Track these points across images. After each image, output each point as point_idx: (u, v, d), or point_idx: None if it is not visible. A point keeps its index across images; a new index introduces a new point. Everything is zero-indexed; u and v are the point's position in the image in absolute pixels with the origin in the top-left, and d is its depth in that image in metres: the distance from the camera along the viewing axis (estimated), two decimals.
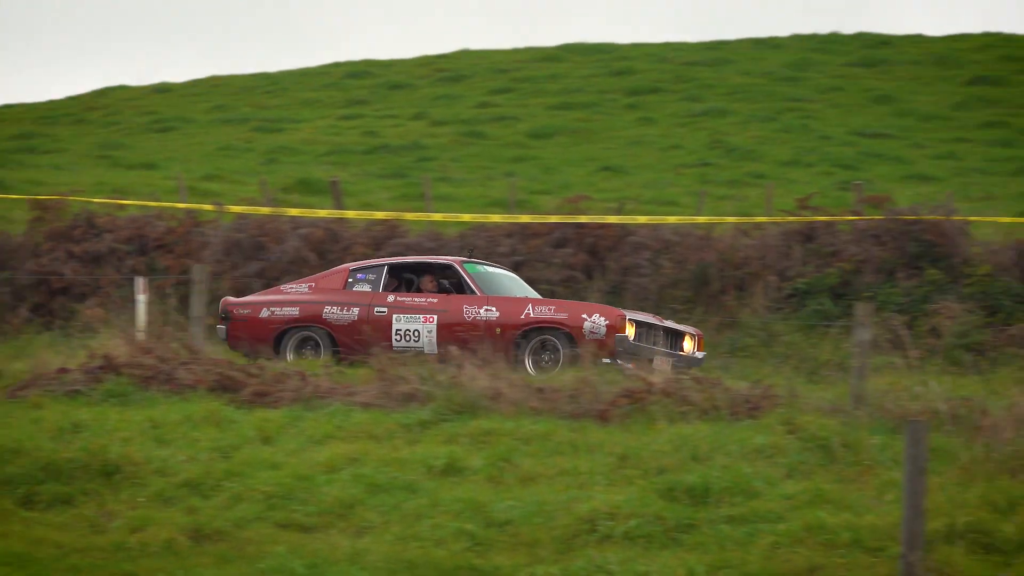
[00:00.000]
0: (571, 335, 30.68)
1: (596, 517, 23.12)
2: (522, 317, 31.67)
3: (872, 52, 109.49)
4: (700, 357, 32.31)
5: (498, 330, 31.07)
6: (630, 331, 30.41)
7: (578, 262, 46.47)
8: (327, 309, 33.18)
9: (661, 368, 30.15)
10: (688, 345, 32.17)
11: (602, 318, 31.27)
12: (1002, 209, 56.26)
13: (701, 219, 48.73)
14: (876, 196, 47.18)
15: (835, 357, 37.55)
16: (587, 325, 30.40)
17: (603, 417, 28.12)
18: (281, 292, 35.13)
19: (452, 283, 33.64)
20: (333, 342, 32.74)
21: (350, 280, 34.12)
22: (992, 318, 40.19)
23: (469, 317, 31.54)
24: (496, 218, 52.58)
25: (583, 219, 47.10)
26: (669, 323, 32.58)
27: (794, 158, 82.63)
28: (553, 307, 32.06)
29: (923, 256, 42.82)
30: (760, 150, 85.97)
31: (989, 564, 20.23)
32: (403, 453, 25.54)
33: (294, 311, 33.44)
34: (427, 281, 33.97)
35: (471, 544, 21.51)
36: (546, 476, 24.87)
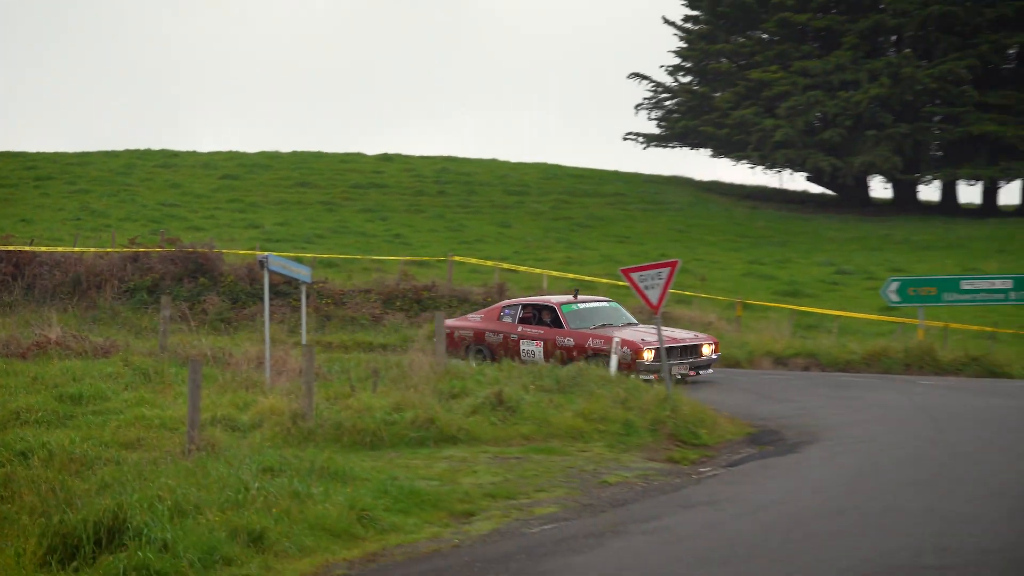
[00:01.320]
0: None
1: (20, 411, 30.43)
2: (586, 345, 39.86)
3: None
4: (715, 358, 40.36)
5: (574, 353, 39.85)
6: (648, 355, 37.95)
7: (8, 271, 53.56)
8: (487, 334, 41.87)
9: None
10: (707, 350, 39.83)
11: (628, 349, 38.73)
12: (238, 247, 67.78)
13: (77, 248, 56.65)
14: (171, 238, 58.03)
15: (151, 325, 46.57)
16: (620, 353, 38.08)
17: (23, 356, 36.93)
18: (467, 320, 43.73)
19: (553, 318, 41.77)
20: (492, 353, 41.39)
21: (501, 314, 43.48)
22: (234, 305, 51.86)
23: (558, 344, 40.24)
24: None
25: (10, 247, 54.46)
26: (689, 339, 40.23)
27: (128, 215, 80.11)
28: (603, 340, 39.34)
29: (197, 271, 54.81)
30: (110, 211, 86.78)
31: (233, 437, 27.56)
32: None
33: (470, 333, 42.50)
34: (544, 315, 42.47)
35: None
36: None
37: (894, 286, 53.24)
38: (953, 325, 56.44)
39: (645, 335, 38.95)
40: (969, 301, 53.82)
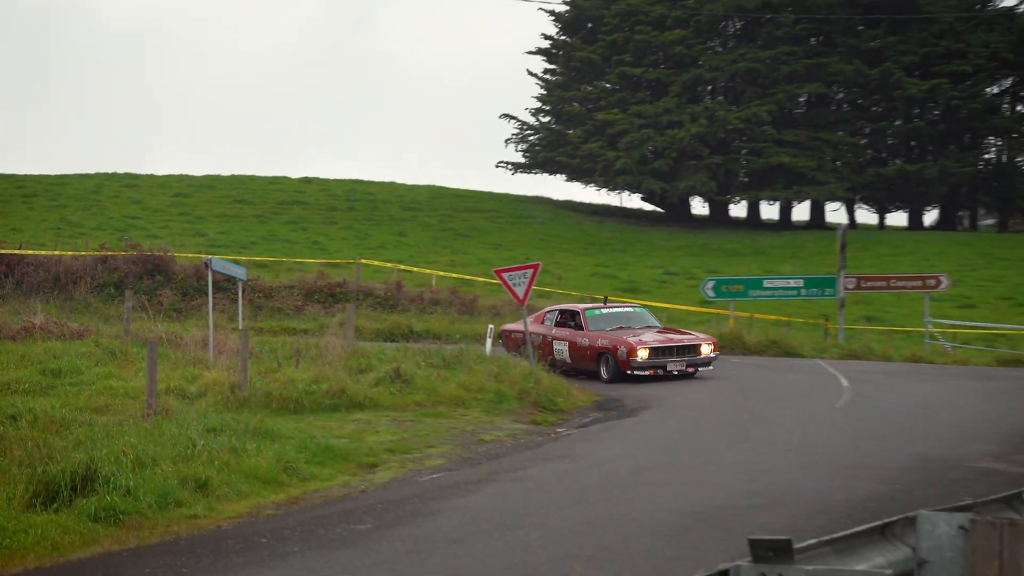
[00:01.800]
0: (615, 356, 36.18)
1: (10, 382, 29.61)
2: (596, 345, 37.17)
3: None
4: (714, 356, 36.94)
5: (588, 352, 37.47)
6: (643, 353, 35.40)
7: (0, 271, 52.45)
8: (532, 334, 36.60)
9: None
10: (706, 349, 36.65)
11: (625, 348, 36.10)
12: (187, 251, 66.99)
13: (57, 252, 55.49)
14: (134, 244, 56.98)
15: (117, 314, 44.92)
16: (620, 351, 36.12)
17: (12, 339, 36.34)
18: (520, 325, 38.47)
19: (577, 322, 39.00)
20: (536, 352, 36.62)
21: (544, 318, 40.76)
22: (184, 297, 50.81)
23: (577, 344, 37.79)
24: None
25: (2, 251, 53.90)
26: (688, 339, 37.39)
27: (99, 225, 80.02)
28: (608, 340, 36.79)
29: (154, 270, 53.82)
30: (84, 223, 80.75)
31: (183, 403, 27.43)
32: None
33: (521, 335, 37.85)
34: (572, 319, 39.60)
35: None
36: None
37: (710, 284, 53.60)
38: (757, 315, 56.88)
39: (647, 336, 37.25)
40: (769, 296, 54.14)
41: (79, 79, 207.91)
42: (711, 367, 36.78)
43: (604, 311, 39.56)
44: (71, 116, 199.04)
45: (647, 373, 35.70)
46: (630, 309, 41.34)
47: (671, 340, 36.99)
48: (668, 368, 35.93)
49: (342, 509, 18.88)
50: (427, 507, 18.78)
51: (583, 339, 37.46)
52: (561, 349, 38.66)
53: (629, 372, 35.91)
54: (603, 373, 37.48)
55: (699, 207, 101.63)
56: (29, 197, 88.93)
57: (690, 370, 36.54)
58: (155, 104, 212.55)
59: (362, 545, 16.08)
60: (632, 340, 36.42)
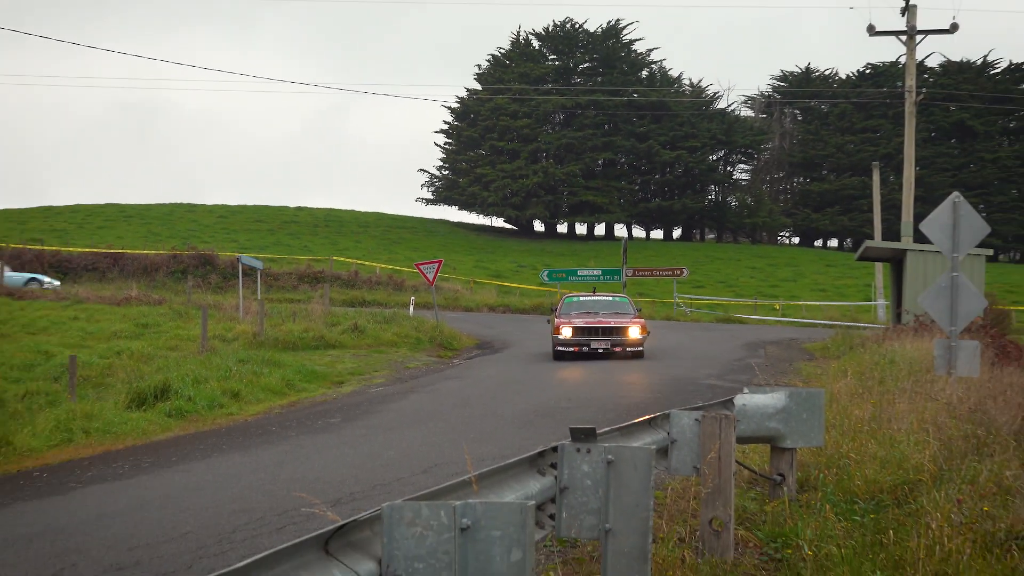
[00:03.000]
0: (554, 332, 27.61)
1: (116, 332, 29.62)
2: (553, 324, 28.24)
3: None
4: (641, 338, 27.41)
5: (556, 331, 27.32)
6: (567, 332, 27.14)
7: (110, 263, 51.83)
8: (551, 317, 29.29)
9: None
10: (634, 332, 27.32)
11: (552, 328, 28.33)
12: (227, 251, 66.05)
13: (144, 251, 54.57)
14: (192, 247, 56.67)
15: (183, 290, 43.88)
16: (551, 328, 28.42)
17: (118, 304, 36.24)
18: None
19: (559, 308, 29.87)
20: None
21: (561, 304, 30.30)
22: (224, 280, 48.70)
23: (552, 324, 28.35)
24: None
25: (112, 250, 53.45)
26: (615, 322, 27.75)
27: (172, 235, 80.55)
28: (559, 322, 27.79)
29: (206, 263, 52.18)
30: (162, 233, 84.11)
31: (224, 344, 27.12)
32: None
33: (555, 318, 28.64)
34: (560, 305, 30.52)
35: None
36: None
37: (545, 273, 53.24)
38: (572, 292, 55.84)
39: (586, 320, 28.12)
40: (581, 280, 53.67)
41: (164, 140, 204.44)
42: (640, 348, 27.61)
43: (581, 298, 30.69)
44: (156, 163, 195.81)
45: (571, 350, 27.62)
46: (609, 298, 31.19)
47: (599, 322, 27.95)
48: (592, 346, 27.50)
49: (322, 409, 18.72)
50: (374, 408, 18.62)
51: (556, 321, 28.68)
52: (553, 328, 29.37)
53: (558, 349, 28.01)
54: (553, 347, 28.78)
55: (539, 226, 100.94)
56: (128, 217, 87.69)
57: (616, 350, 27.53)
58: (207, 157, 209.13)
59: (334, 431, 15.87)
60: (561, 320, 28.16)
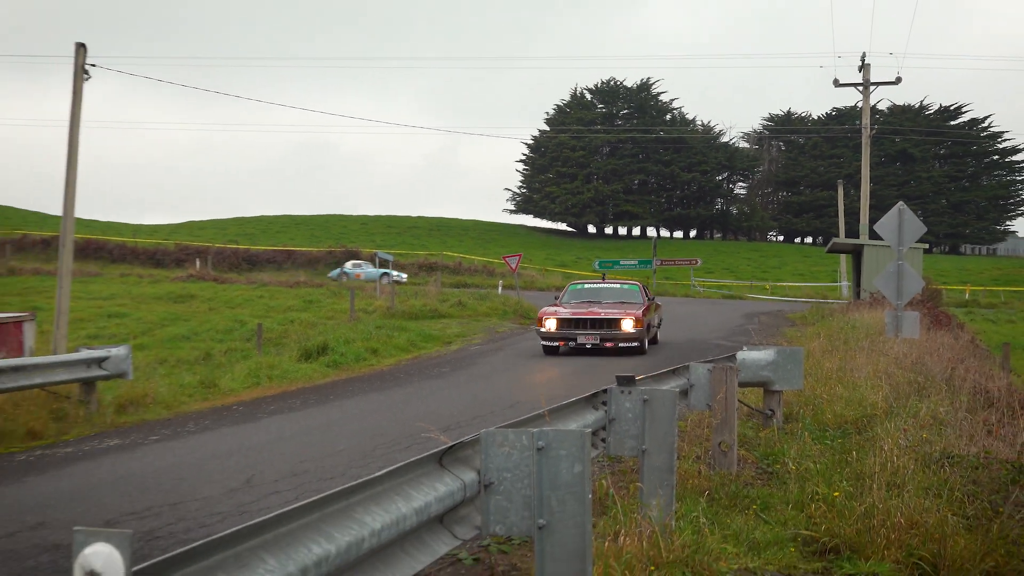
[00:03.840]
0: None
1: (288, 307, 31.63)
2: (545, 312, 18.94)
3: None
4: (635, 332, 18.51)
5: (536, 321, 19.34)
6: (550, 324, 18.68)
7: (239, 261, 52.52)
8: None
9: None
10: (627, 325, 18.63)
11: (537, 319, 19.73)
12: (369, 248, 65.87)
13: (311, 248, 55.05)
14: (343, 245, 55.60)
15: (337, 275, 45.42)
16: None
17: (291, 287, 37.48)
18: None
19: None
20: None
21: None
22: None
23: (551, 311, 18.77)
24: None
25: (243, 247, 53.27)
26: (602, 314, 18.94)
27: (330, 237, 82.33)
28: (552, 311, 19.11)
29: (353, 256, 50.20)
30: (321, 236, 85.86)
31: (367, 315, 26.91)
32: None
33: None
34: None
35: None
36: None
37: (596, 262, 52.89)
38: (619, 277, 55.27)
39: (574, 310, 19.54)
40: (623, 268, 53.22)
41: (325, 169, 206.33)
42: (637, 343, 18.85)
43: (586, 286, 22.30)
44: (318, 185, 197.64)
45: (555, 345, 19.08)
46: (617, 285, 22.30)
47: (589, 313, 19.22)
48: (579, 341, 18.87)
49: (436, 362, 18.46)
50: (473, 361, 18.37)
51: (560, 307, 20.42)
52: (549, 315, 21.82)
53: (542, 344, 19.41)
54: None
55: (591, 229, 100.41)
56: (297, 224, 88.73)
57: (607, 345, 18.86)
58: (355, 181, 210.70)
59: (445, 377, 15.70)
60: (547, 311, 19.63)
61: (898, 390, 10.10)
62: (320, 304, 31.22)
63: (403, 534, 3.70)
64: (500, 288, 39.29)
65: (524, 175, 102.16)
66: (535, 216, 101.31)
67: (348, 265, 45.83)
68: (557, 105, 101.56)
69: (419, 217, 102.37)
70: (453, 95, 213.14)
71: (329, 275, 43.88)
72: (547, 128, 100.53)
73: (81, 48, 18.94)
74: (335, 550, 3.16)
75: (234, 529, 2.78)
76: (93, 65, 19.04)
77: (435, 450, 4.20)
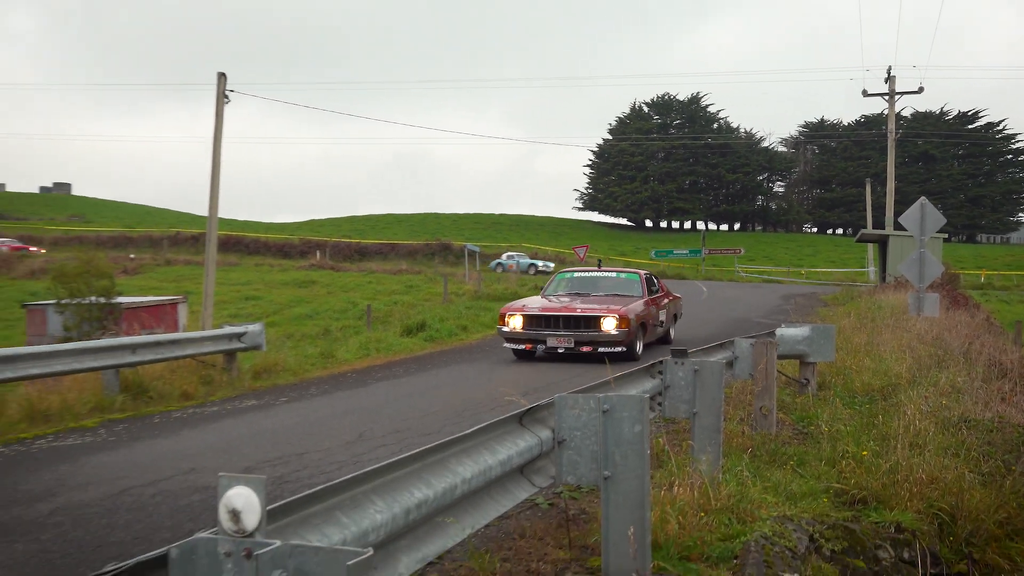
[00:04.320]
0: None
1: (391, 291, 33.73)
2: (510, 308, 13.60)
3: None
4: (617, 334, 12.69)
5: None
6: (515, 322, 13.28)
7: (352, 253, 53.41)
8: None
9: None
10: (608, 325, 12.78)
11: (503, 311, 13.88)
12: (459, 241, 65.63)
13: (407, 241, 54.56)
14: (439, 238, 55.12)
15: (432, 265, 43.96)
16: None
17: (394, 274, 38.48)
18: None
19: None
20: None
21: None
22: (458, 259, 48.12)
23: (518, 305, 13.24)
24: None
25: (354, 240, 52.85)
26: (582, 310, 13.05)
27: (428, 232, 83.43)
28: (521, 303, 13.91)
29: (445, 249, 49.86)
30: (420, 231, 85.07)
31: (457, 299, 26.94)
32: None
33: None
34: None
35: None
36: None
37: (653, 252, 52.56)
38: (673, 264, 54.69)
39: (545, 306, 13.56)
40: (676, 256, 52.79)
41: (423, 174, 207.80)
42: (623, 348, 12.86)
43: (576, 275, 16.05)
44: (418, 187, 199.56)
45: (523, 347, 13.49)
46: (613, 275, 15.78)
47: (563, 309, 13.34)
48: (549, 344, 13.19)
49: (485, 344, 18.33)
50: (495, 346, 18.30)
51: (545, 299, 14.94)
52: None
53: (505, 346, 13.94)
54: None
55: (648, 224, 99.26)
56: (400, 221, 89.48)
57: (583, 349, 13.01)
58: (449, 184, 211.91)
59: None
60: (515, 305, 14.17)
61: (920, 362, 9.76)
62: (419, 288, 31.25)
63: (489, 482, 3.74)
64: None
65: (590, 177, 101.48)
66: (599, 212, 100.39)
67: (503, 257, 45.75)
68: (619, 117, 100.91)
69: (501, 214, 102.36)
70: (531, 110, 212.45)
71: (489, 265, 43.54)
72: (610, 137, 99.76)
73: (222, 77, 19.40)
74: (433, 494, 3.21)
75: (350, 476, 2.84)
76: (232, 91, 19.51)
77: (516, 411, 4.19)
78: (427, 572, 3.95)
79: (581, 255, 33.89)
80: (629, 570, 3.73)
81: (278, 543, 2.06)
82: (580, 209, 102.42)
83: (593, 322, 12.91)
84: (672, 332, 15.87)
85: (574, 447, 4.08)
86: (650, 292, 14.64)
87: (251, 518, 2.09)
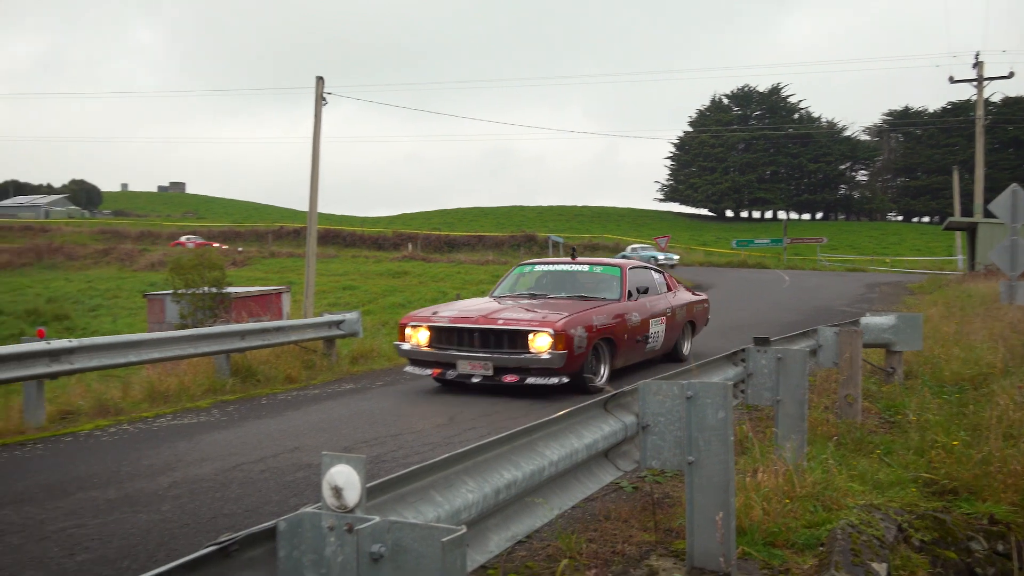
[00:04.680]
0: None
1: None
2: (412, 318, 9.06)
3: None
4: (546, 357, 7.88)
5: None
6: (420, 337, 8.72)
7: (442, 244, 51.18)
8: None
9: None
10: (542, 343, 7.91)
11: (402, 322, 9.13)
12: (543, 232, 65.25)
13: (497, 233, 54.26)
14: (523, 230, 54.71)
15: (518, 256, 43.61)
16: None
17: (481, 265, 39.11)
18: None
19: None
20: None
21: None
22: (542, 249, 48.68)
23: (423, 315, 8.56)
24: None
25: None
26: (505, 321, 8.15)
27: (512, 223, 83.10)
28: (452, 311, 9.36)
29: (531, 240, 49.59)
30: (503, 223, 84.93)
31: None
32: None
33: None
34: None
35: None
36: None
37: (734, 241, 51.38)
38: (754, 253, 53.29)
39: (461, 314, 8.52)
40: (758, 245, 50.98)
41: (509, 169, 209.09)
42: (557, 380, 7.93)
43: (539, 268, 10.37)
44: (503, 182, 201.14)
45: (427, 373, 8.57)
46: (585, 268, 9.89)
47: (480, 321, 8.18)
48: (460, 370, 8.28)
49: None
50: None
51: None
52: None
53: (406, 370, 9.04)
54: None
55: (729, 213, 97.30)
56: (486, 214, 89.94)
57: (505, 380, 8.00)
58: (534, 177, 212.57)
59: None
60: (420, 314, 8.89)
61: (1013, 352, 9.25)
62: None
63: (575, 465, 3.75)
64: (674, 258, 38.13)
65: (671, 169, 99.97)
66: (681, 203, 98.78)
67: (628, 249, 43.66)
68: (699, 110, 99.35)
69: (583, 206, 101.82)
70: (612, 104, 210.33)
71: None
72: (690, 129, 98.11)
73: (320, 80, 19.87)
74: (522, 476, 3.22)
75: (443, 456, 2.87)
76: (330, 93, 19.97)
77: (600, 397, 4.18)
78: (515, 550, 3.95)
79: (663, 245, 33.44)
80: (715, 554, 3.66)
81: (377, 519, 2.10)
82: (661, 200, 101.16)
83: (519, 339, 7.97)
84: (687, 346, 11.17)
85: (658, 432, 4.02)
86: (634, 294, 9.70)
87: (352, 495, 2.14)
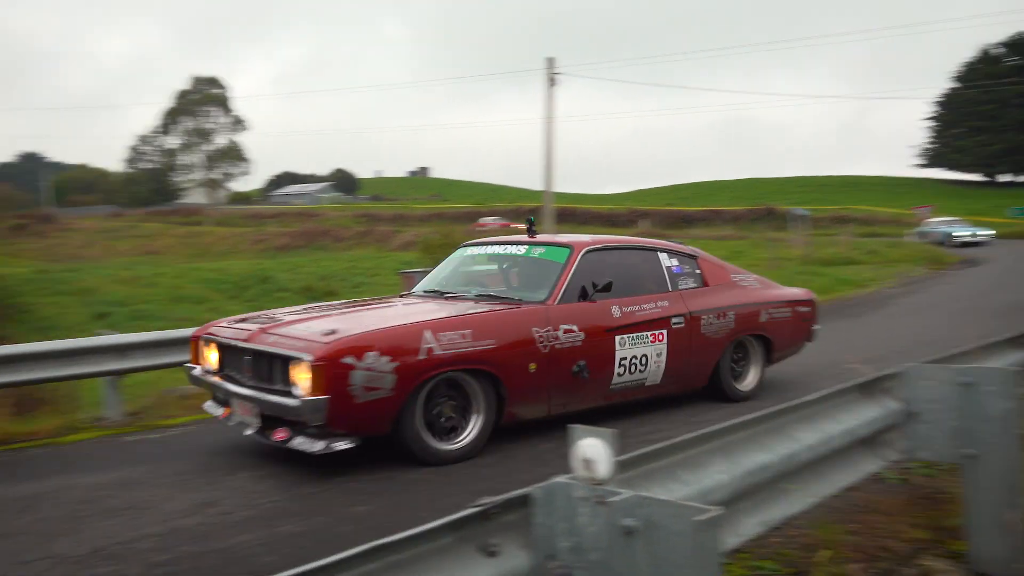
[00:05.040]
0: None
1: None
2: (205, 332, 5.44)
3: None
4: (293, 404, 4.28)
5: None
6: (209, 356, 5.20)
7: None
8: None
9: None
10: (300, 378, 4.22)
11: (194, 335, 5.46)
12: (784, 205, 61.59)
13: (736, 208, 55.32)
14: (761, 204, 51.77)
15: (742, 232, 45.52)
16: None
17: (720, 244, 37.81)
18: None
19: None
20: None
21: None
22: (785, 222, 44.91)
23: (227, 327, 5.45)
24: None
25: (690, 208, 52.50)
26: (271, 343, 4.49)
27: (745, 199, 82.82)
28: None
29: (769, 215, 47.51)
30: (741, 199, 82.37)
31: (770, 263, 29.50)
32: None
33: None
34: None
35: None
36: None
37: (1011, 210, 45.51)
38: None
39: (253, 324, 4.97)
40: (1010, 216, 44.85)
41: (746, 140, 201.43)
42: (320, 447, 4.36)
43: (475, 252, 6.26)
44: (741, 155, 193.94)
45: (220, 413, 5.11)
46: (520, 252, 5.83)
47: (252, 336, 4.67)
48: (237, 412, 4.83)
49: (851, 303, 16.59)
50: (886, 302, 16.42)
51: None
52: None
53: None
54: None
55: (1003, 178, 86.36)
56: (722, 188, 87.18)
57: (277, 437, 4.55)
58: (776, 149, 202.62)
59: (860, 317, 14.20)
60: (221, 323, 5.37)
61: None
62: (745, 254, 30.10)
63: (832, 451, 3.58)
64: (908, 237, 35.09)
65: (936, 131, 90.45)
66: (946, 168, 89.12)
67: (930, 223, 39.17)
68: (966, 63, 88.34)
69: (828, 176, 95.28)
70: (861, 64, 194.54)
71: (914, 232, 35.82)
72: (958, 85, 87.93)
73: (551, 61, 20.25)
74: (775, 458, 3.14)
75: (691, 435, 2.86)
76: (559, 73, 20.31)
77: (859, 380, 3.92)
78: (767, 536, 3.82)
79: (925, 214, 30.54)
80: (1004, 561, 3.30)
81: (629, 493, 2.12)
82: (921, 166, 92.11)
83: (281, 369, 4.74)
84: (751, 376, 7.20)
85: (928, 420, 3.74)
86: (589, 292, 5.74)
87: (602, 467, 2.19)
